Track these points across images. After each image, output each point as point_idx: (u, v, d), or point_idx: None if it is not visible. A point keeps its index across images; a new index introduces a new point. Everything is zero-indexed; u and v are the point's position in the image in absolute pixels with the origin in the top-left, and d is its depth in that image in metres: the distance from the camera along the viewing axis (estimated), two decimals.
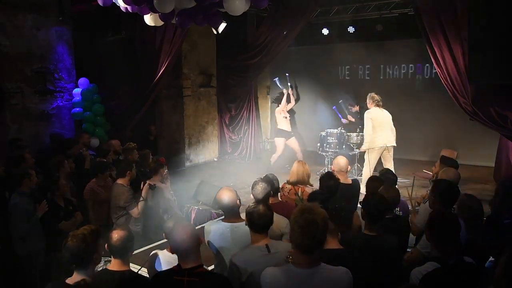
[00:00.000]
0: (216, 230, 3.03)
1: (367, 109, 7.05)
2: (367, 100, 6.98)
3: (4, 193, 4.52)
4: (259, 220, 2.67)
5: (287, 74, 9.18)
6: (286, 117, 8.42)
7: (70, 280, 2.35)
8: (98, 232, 2.47)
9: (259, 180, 3.51)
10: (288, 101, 8.61)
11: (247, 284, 2.54)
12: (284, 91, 8.68)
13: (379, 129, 6.72)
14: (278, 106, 8.64)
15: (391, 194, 3.54)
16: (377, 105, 6.84)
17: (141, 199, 4.67)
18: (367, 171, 6.72)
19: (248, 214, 2.71)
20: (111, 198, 4.70)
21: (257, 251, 2.64)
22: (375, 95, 6.91)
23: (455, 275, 2.41)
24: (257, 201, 2.81)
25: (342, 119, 8.70)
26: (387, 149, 6.74)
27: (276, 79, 9.08)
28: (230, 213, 3.11)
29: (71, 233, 2.38)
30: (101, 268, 2.88)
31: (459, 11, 5.51)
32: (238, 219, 3.08)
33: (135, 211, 4.59)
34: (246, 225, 2.76)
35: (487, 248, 3.10)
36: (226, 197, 3.10)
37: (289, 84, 8.99)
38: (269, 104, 11.37)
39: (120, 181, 4.68)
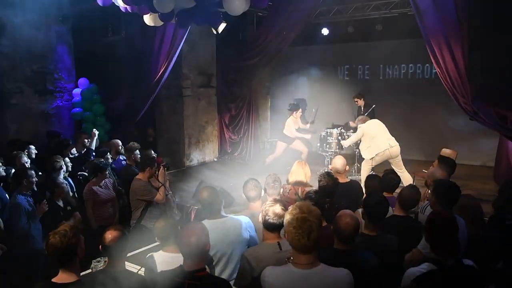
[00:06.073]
0: None
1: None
2: (357, 123, 6.95)
3: (4, 193, 4.51)
4: (274, 220, 2.70)
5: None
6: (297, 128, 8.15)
7: (56, 279, 2.34)
8: (78, 228, 2.48)
9: (250, 179, 3.53)
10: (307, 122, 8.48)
11: (259, 280, 2.54)
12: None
13: (377, 136, 6.62)
14: (293, 114, 8.11)
15: (411, 193, 3.56)
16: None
17: (160, 184, 4.73)
18: (367, 170, 6.65)
19: (265, 212, 2.74)
20: (129, 192, 4.75)
21: (269, 248, 2.68)
22: (365, 118, 6.96)
23: (451, 278, 2.34)
24: (275, 200, 2.85)
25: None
26: (390, 155, 6.56)
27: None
28: (211, 211, 3.13)
29: (51, 232, 2.36)
30: (100, 268, 2.88)
31: (459, 11, 5.49)
32: (220, 216, 3.12)
33: (159, 197, 4.67)
34: (261, 221, 2.78)
35: (490, 249, 3.08)
36: (207, 195, 3.13)
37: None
38: (269, 104, 11.34)
39: (139, 176, 4.72)
